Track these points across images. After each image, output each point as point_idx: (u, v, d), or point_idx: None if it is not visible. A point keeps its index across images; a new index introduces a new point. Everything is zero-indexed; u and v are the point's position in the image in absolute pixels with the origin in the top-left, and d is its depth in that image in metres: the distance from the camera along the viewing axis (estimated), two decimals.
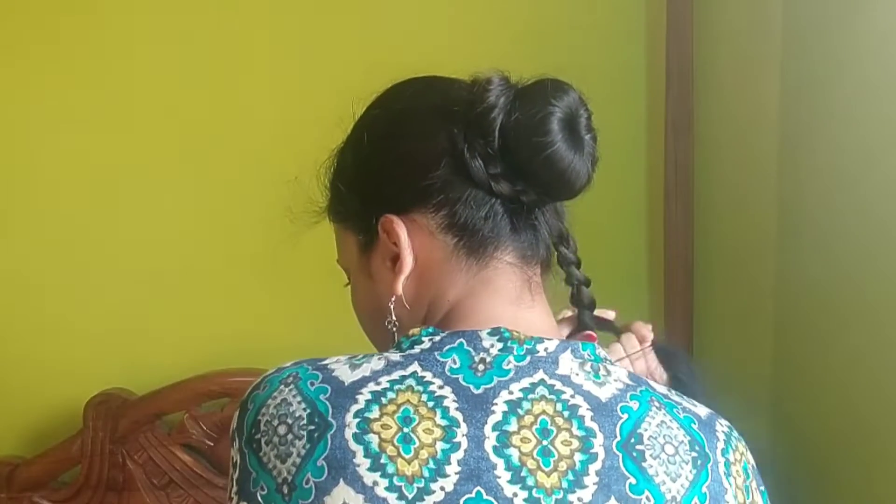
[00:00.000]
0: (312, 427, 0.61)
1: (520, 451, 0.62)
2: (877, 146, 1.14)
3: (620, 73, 1.51)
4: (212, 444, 1.48)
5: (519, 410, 0.63)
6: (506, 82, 0.71)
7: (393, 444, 0.60)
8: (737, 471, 0.68)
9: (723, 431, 0.69)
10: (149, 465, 1.47)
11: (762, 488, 0.71)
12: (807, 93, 1.34)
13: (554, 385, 0.65)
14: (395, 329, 0.71)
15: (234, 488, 0.63)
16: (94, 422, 1.46)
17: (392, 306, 0.71)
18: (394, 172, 0.72)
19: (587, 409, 0.64)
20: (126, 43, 1.49)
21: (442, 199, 0.69)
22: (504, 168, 0.68)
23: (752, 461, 0.70)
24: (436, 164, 0.69)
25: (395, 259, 0.71)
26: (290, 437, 0.62)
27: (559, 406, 0.64)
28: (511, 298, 0.70)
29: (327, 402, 0.62)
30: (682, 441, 0.65)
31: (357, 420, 0.61)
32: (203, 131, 1.51)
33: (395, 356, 0.65)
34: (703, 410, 0.70)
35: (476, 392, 0.63)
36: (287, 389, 0.64)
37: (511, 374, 0.65)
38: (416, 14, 1.50)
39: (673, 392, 0.71)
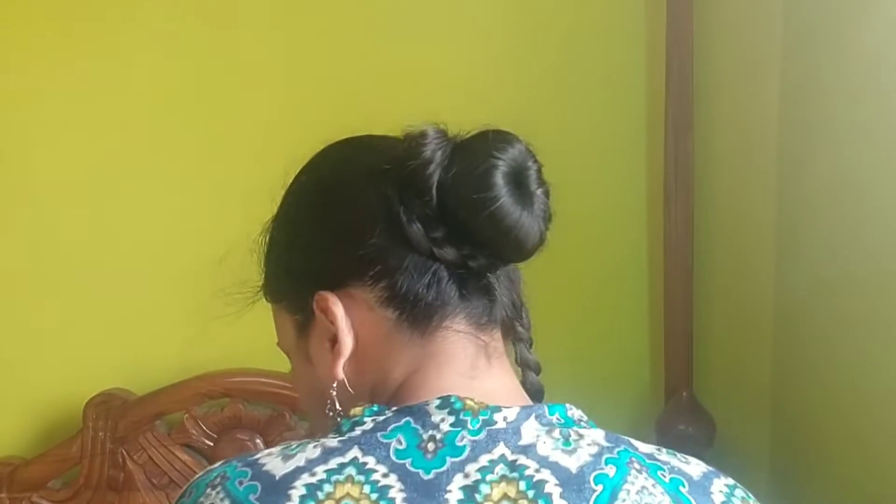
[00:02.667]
0: None
1: None
2: (877, 146, 1.14)
3: (620, 73, 1.51)
4: (212, 444, 1.47)
5: (476, 496, 0.55)
6: (442, 135, 0.63)
7: None
8: None
9: (721, 492, 0.62)
10: (149, 465, 1.47)
11: None
12: (807, 93, 1.34)
13: (516, 461, 0.57)
14: (339, 417, 0.63)
15: None
16: (94, 422, 1.46)
17: (334, 392, 0.64)
18: (325, 244, 0.66)
19: (555, 484, 0.56)
20: (124, 46, 1.49)
21: (380, 270, 0.63)
22: (446, 230, 0.62)
23: None
24: (370, 230, 0.63)
25: (335, 340, 0.64)
26: None
27: (522, 485, 0.56)
28: (463, 369, 0.63)
29: (256, 503, 0.55)
30: None
31: None
32: (202, 131, 1.51)
33: (332, 441, 0.58)
34: (696, 469, 0.63)
35: (426, 478, 0.56)
36: (214, 492, 0.57)
37: (466, 453, 0.57)
38: (414, 15, 1.50)
39: (663, 451, 0.63)
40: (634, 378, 1.55)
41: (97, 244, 1.51)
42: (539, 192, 0.63)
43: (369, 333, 0.64)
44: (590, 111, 1.51)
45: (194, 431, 1.47)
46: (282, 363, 1.51)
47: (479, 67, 1.50)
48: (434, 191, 0.61)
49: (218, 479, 0.58)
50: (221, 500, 0.56)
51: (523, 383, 0.70)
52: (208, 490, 0.57)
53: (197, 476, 0.60)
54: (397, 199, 0.62)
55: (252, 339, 1.51)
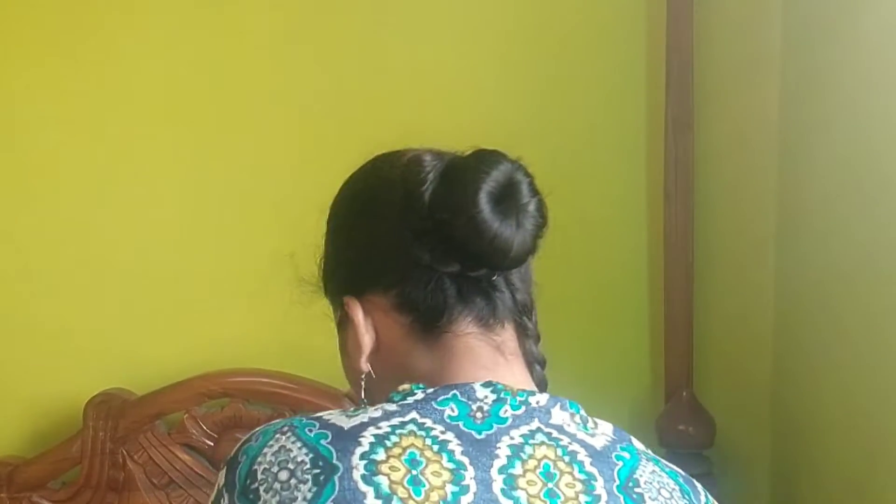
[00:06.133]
0: (317, 470, 0.60)
1: (527, 493, 0.62)
2: (876, 146, 1.14)
3: (620, 73, 1.51)
4: (212, 444, 1.47)
5: (522, 455, 0.64)
6: (437, 158, 0.72)
7: (403, 486, 0.60)
8: None
9: (702, 487, 0.72)
10: (149, 465, 1.47)
11: None
12: (807, 92, 1.34)
13: (551, 433, 0.66)
14: (363, 405, 0.71)
15: None
16: (94, 422, 1.46)
17: (363, 383, 0.73)
18: (349, 257, 0.76)
19: (585, 455, 0.66)
20: (126, 44, 1.49)
21: (390, 280, 0.72)
22: (446, 244, 0.69)
23: None
24: (382, 246, 0.72)
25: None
26: (293, 481, 0.60)
27: (559, 451, 0.65)
28: (484, 363, 0.71)
29: (329, 447, 0.61)
30: (674, 489, 0.69)
31: (364, 462, 0.60)
32: (204, 132, 1.51)
33: (390, 406, 0.66)
34: (684, 474, 0.73)
35: (478, 437, 0.64)
36: (284, 437, 0.63)
37: (509, 422, 0.66)
38: (417, 16, 1.50)
39: (649, 451, 0.73)
40: (634, 378, 1.55)
41: (97, 245, 1.52)
42: (531, 203, 0.69)
43: (388, 334, 0.73)
44: (590, 111, 1.51)
45: (194, 431, 1.47)
46: (281, 363, 1.52)
47: (479, 69, 1.51)
48: (427, 209, 0.70)
49: (286, 428, 0.63)
50: (293, 442, 0.62)
51: (531, 375, 0.77)
52: (277, 435, 0.63)
53: (260, 427, 0.65)
54: (402, 219, 0.71)
55: (252, 340, 1.52)
